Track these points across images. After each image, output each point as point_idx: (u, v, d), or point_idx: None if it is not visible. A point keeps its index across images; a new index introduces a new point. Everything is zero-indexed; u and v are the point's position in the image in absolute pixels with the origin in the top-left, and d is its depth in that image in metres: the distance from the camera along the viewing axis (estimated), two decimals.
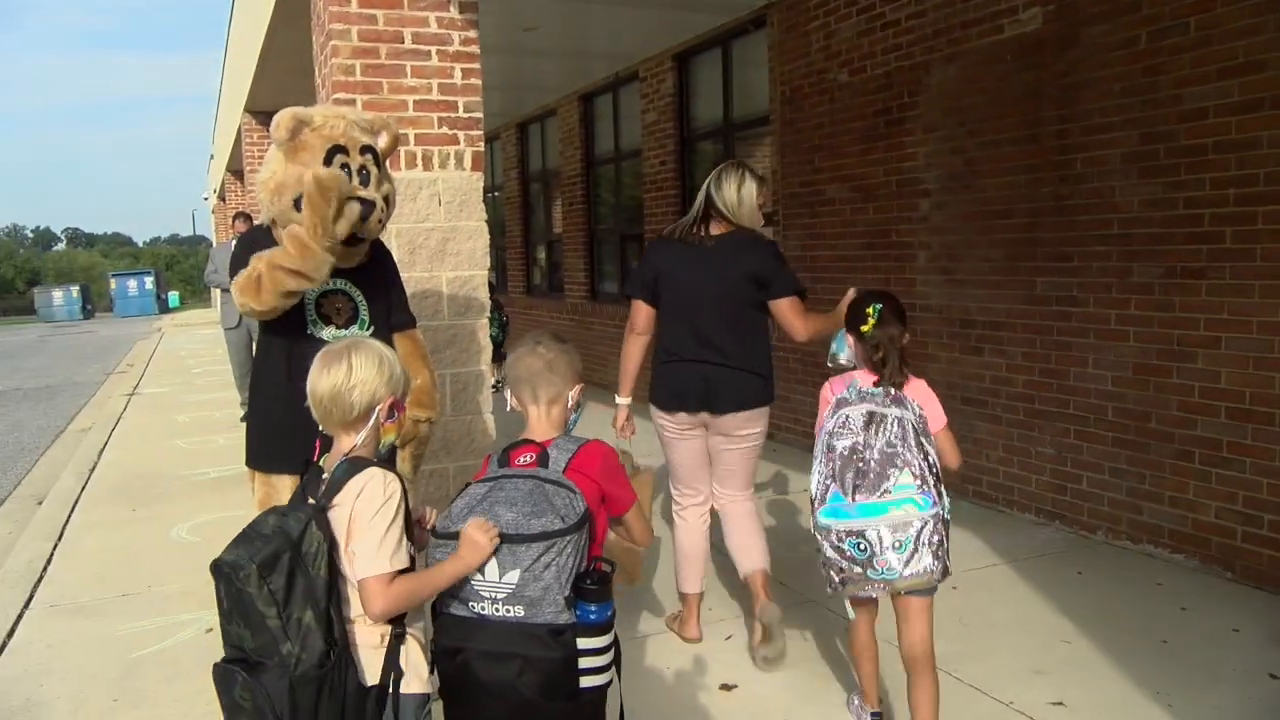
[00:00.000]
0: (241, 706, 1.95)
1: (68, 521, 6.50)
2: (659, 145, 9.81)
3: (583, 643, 2.12)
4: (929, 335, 6.29)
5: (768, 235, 4.26)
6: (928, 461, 2.93)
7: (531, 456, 2.29)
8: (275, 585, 1.93)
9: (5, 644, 4.43)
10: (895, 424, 2.95)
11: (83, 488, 7.49)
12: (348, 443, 2.18)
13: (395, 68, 4.66)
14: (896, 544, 2.87)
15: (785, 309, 4.00)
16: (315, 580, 1.97)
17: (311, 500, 2.09)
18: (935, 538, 2.90)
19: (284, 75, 10.18)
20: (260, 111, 13.18)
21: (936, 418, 3.09)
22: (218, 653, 2.05)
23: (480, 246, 4.90)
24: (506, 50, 9.29)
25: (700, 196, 4.08)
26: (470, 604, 2.13)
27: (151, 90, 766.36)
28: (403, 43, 4.67)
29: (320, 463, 2.24)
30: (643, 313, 4.17)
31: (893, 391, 3.03)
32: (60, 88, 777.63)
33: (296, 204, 2.95)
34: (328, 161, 2.96)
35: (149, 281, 50.94)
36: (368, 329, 3.20)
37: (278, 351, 3.15)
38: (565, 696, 2.11)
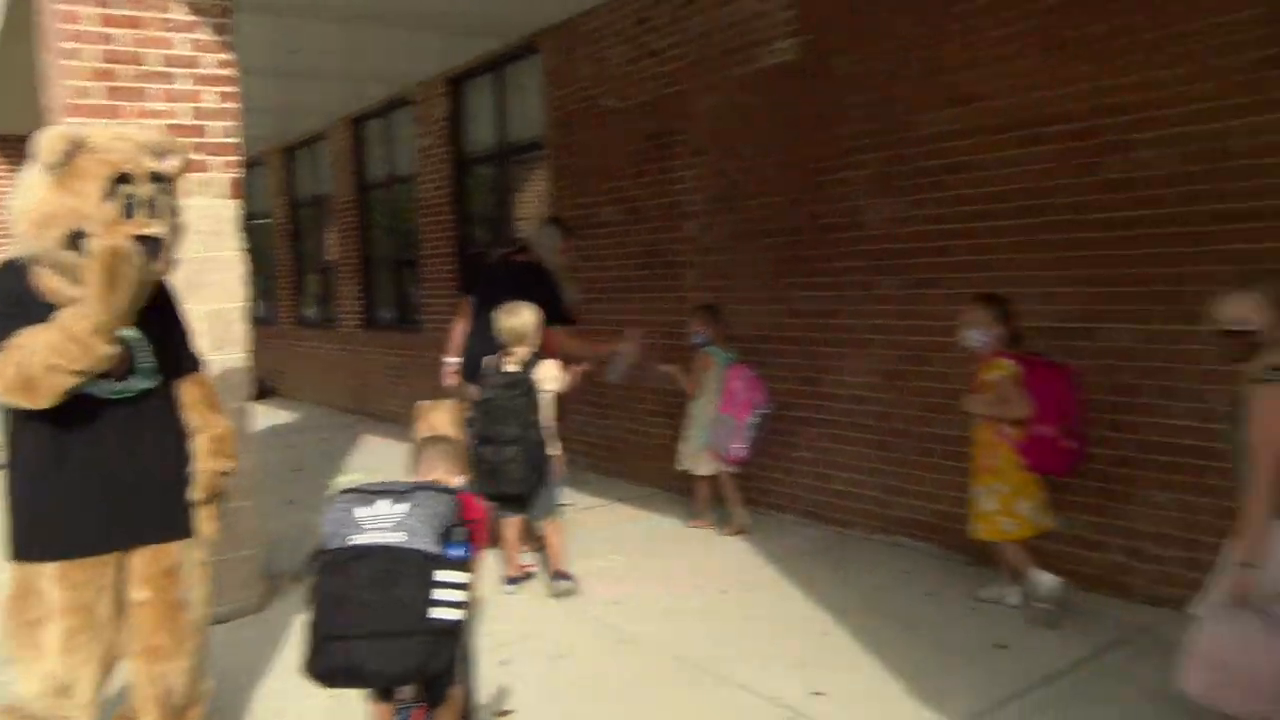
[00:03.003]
0: None
1: None
2: (434, 170, 9.71)
3: (441, 574, 2.48)
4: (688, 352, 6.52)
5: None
6: None
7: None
8: None
9: None
10: None
11: None
12: None
13: (136, 90, 4.40)
14: None
15: None
16: None
17: None
18: None
19: (28, 93, 9.36)
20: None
21: None
22: None
23: (236, 278, 4.66)
24: (272, 73, 8.93)
25: None
26: (349, 538, 2.52)
27: None
28: (145, 64, 4.41)
29: None
30: None
31: None
32: None
33: (73, 241, 2.60)
34: (110, 193, 2.63)
35: None
36: (154, 379, 2.86)
37: (38, 418, 2.70)
38: (413, 618, 2.45)
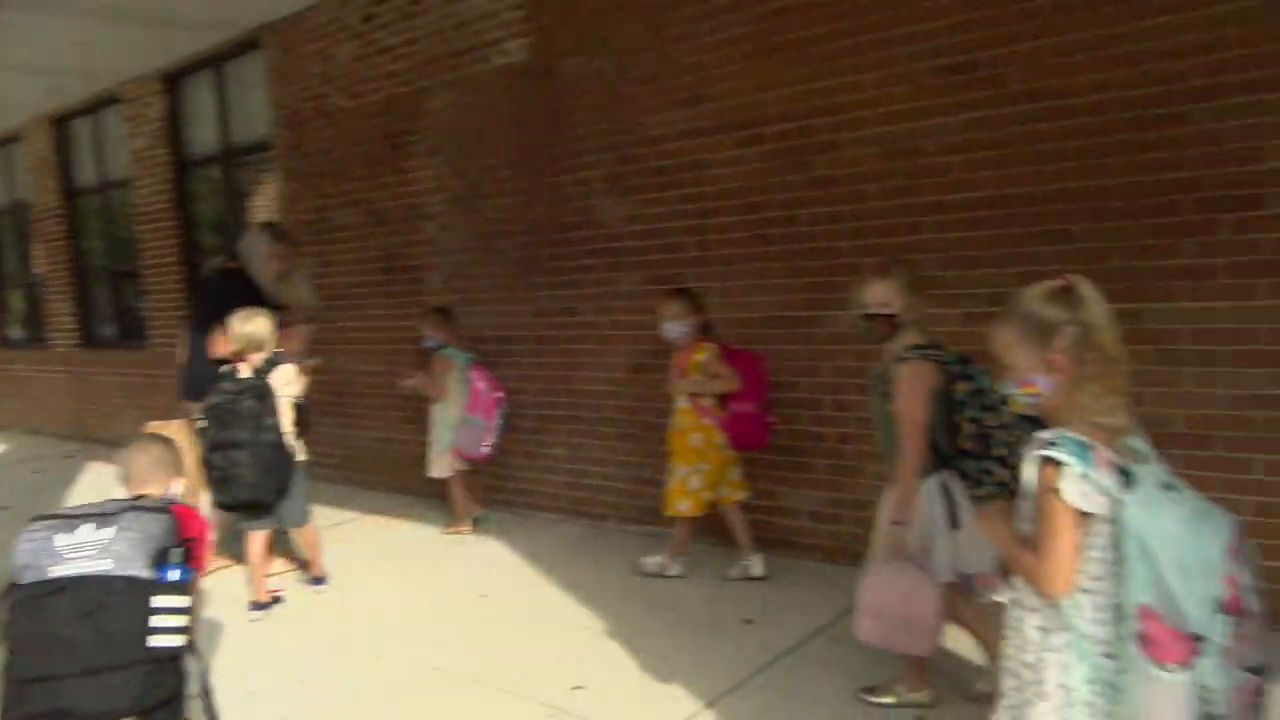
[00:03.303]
0: None
1: None
2: (151, 173, 9.04)
3: (157, 600, 2.42)
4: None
5: None
6: None
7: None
8: None
9: None
10: None
11: None
12: None
13: None
14: None
15: None
16: None
17: None
18: None
19: None
20: None
21: None
22: None
23: None
24: None
25: None
26: (45, 572, 2.40)
27: None
28: None
29: None
30: None
31: None
32: None
33: None
34: None
35: None
36: None
37: None
38: (131, 648, 2.40)
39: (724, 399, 4.66)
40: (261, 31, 7.58)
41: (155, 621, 2.39)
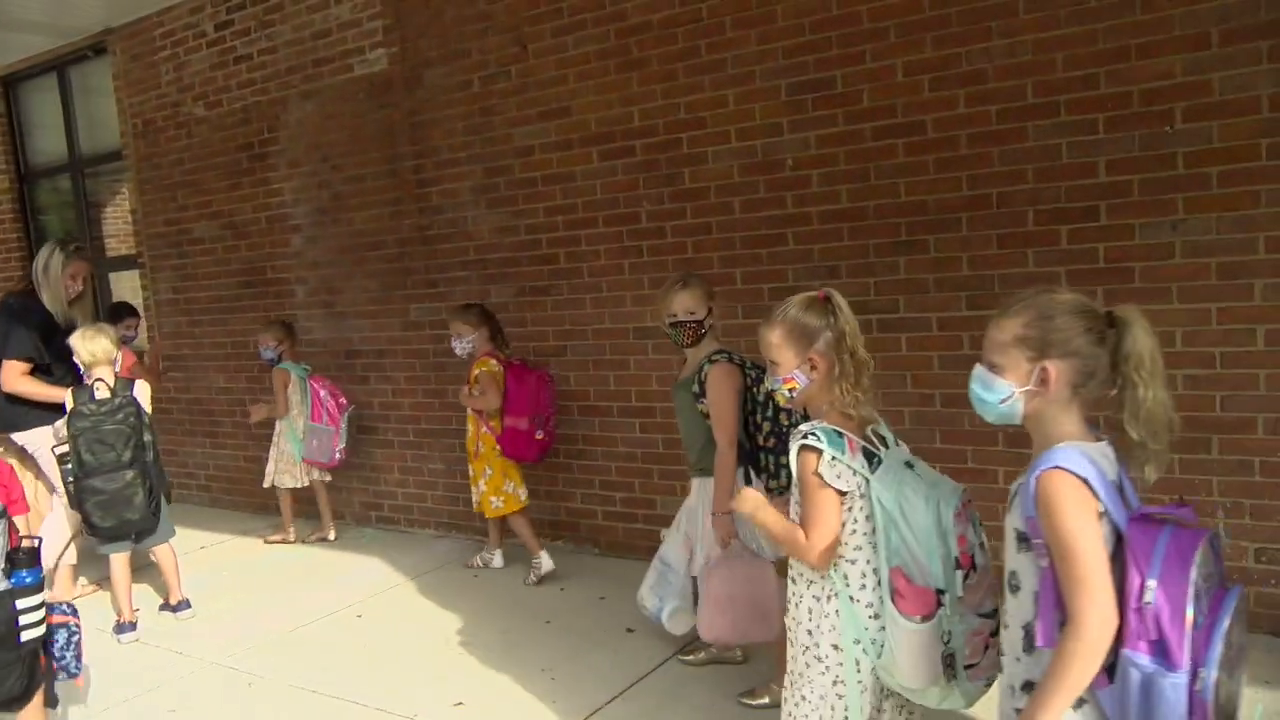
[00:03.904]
0: None
1: None
2: None
3: (20, 603, 2.84)
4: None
5: None
6: None
7: None
8: None
9: None
10: None
11: None
12: None
13: None
14: None
15: None
16: None
17: None
18: None
19: None
20: None
21: None
22: None
23: None
24: None
25: None
26: None
27: None
28: None
29: None
30: None
31: None
32: None
33: None
34: None
35: None
36: None
37: None
38: (9, 648, 2.83)
39: (501, 412, 4.93)
40: (107, 35, 7.24)
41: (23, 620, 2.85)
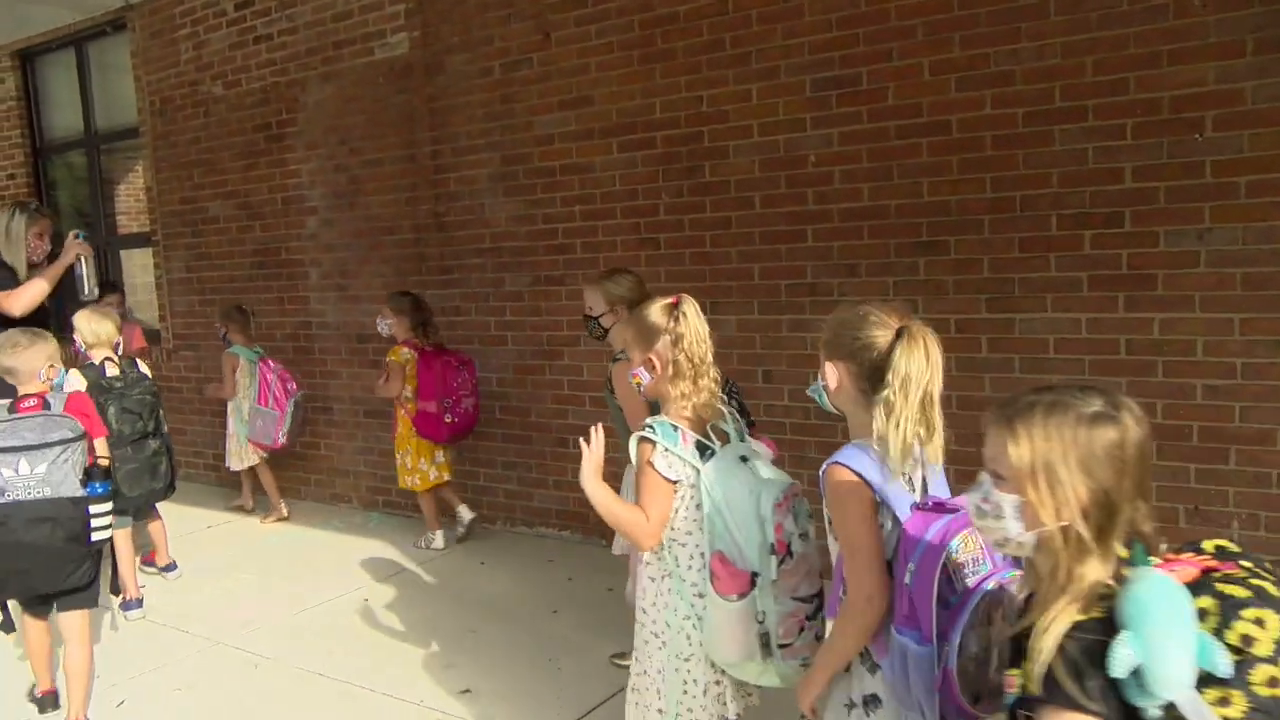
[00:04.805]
0: None
1: None
2: (5, 156, 8.51)
3: (93, 509, 3.40)
4: (327, 352, 6.30)
5: None
6: None
7: (35, 403, 3.41)
8: None
9: None
10: None
11: None
12: None
13: None
14: None
15: None
16: None
17: None
18: None
19: None
20: None
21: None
22: None
23: None
24: None
25: None
26: (4, 495, 3.25)
27: None
28: None
29: None
30: None
31: None
32: None
33: None
34: None
35: None
36: None
37: None
38: (80, 544, 3.38)
39: (416, 393, 5.30)
40: (126, 11, 7.22)
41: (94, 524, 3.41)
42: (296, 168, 6.41)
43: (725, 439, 2.47)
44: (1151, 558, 1.40)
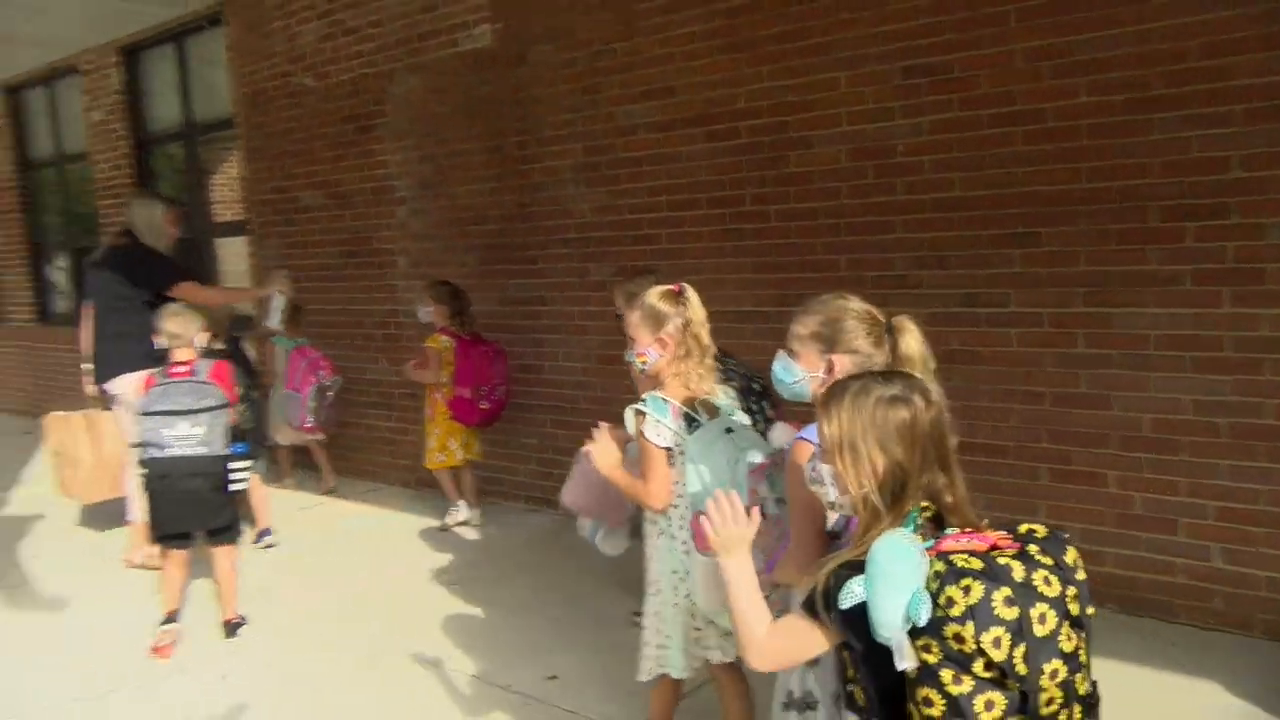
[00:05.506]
0: None
1: None
2: (109, 147, 8.85)
3: (231, 465, 4.07)
4: (414, 340, 6.41)
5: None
6: None
7: (186, 369, 4.03)
8: None
9: None
10: None
11: None
12: None
13: None
14: None
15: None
16: None
17: None
18: None
19: None
20: None
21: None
22: None
23: None
24: None
25: None
26: (167, 450, 3.93)
27: None
28: None
29: None
30: None
31: None
32: None
33: None
34: None
35: None
36: None
37: None
38: (222, 492, 4.09)
39: (453, 379, 5.52)
40: (223, 6, 7.42)
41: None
42: (385, 158, 6.52)
43: (715, 413, 2.76)
44: (927, 523, 1.71)
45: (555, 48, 5.52)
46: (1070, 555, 1.62)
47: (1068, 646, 1.56)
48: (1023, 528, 1.66)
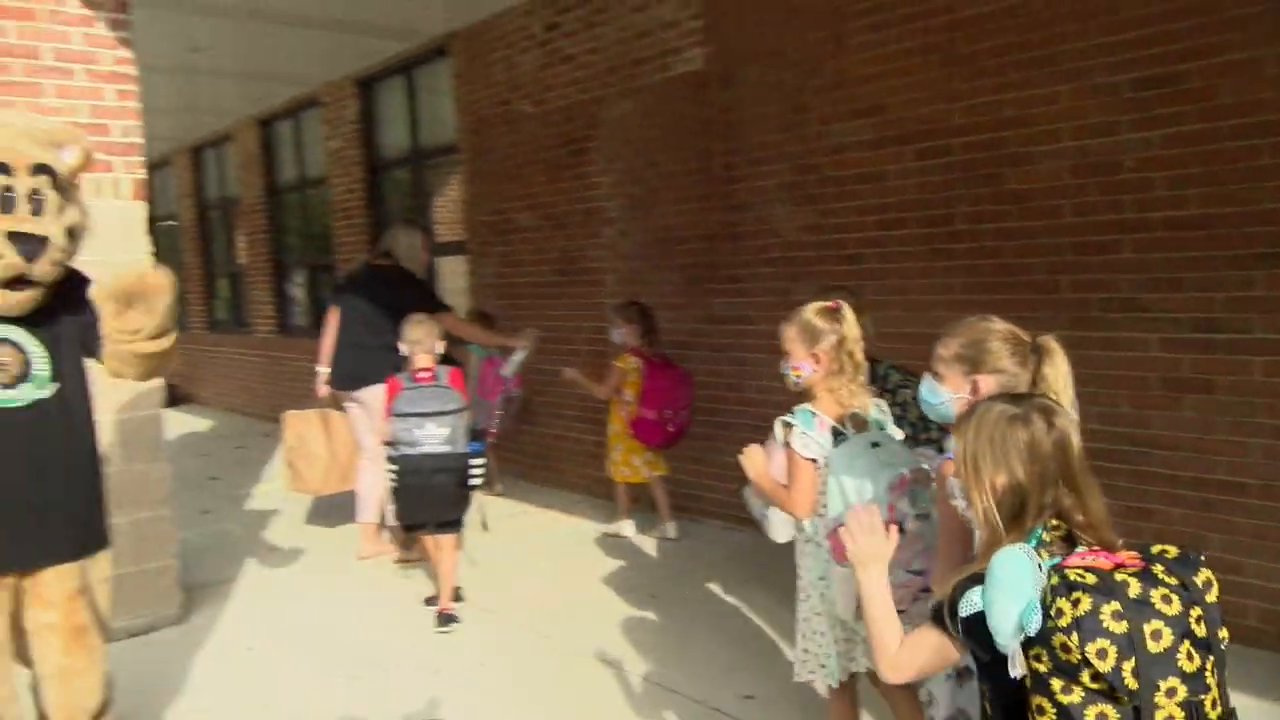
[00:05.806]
0: None
1: None
2: (345, 173, 9.57)
3: (471, 462, 4.47)
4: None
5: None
6: None
7: (429, 374, 4.49)
8: None
9: None
10: None
11: None
12: None
13: (32, 86, 4.26)
14: None
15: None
16: None
17: None
18: None
19: None
20: None
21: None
22: None
23: None
24: (174, 70, 8.73)
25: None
26: (419, 447, 4.39)
27: None
28: (40, 59, 4.28)
29: None
30: None
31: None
32: None
33: None
34: None
35: None
36: (49, 386, 2.70)
37: None
38: (464, 487, 4.51)
39: (639, 399, 5.66)
40: (449, 39, 7.89)
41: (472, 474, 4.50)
42: (597, 180, 6.75)
43: (864, 427, 2.83)
44: (1057, 541, 1.72)
45: (764, 68, 5.56)
46: (1201, 576, 1.61)
47: (1189, 666, 1.54)
48: (1155, 548, 1.67)
